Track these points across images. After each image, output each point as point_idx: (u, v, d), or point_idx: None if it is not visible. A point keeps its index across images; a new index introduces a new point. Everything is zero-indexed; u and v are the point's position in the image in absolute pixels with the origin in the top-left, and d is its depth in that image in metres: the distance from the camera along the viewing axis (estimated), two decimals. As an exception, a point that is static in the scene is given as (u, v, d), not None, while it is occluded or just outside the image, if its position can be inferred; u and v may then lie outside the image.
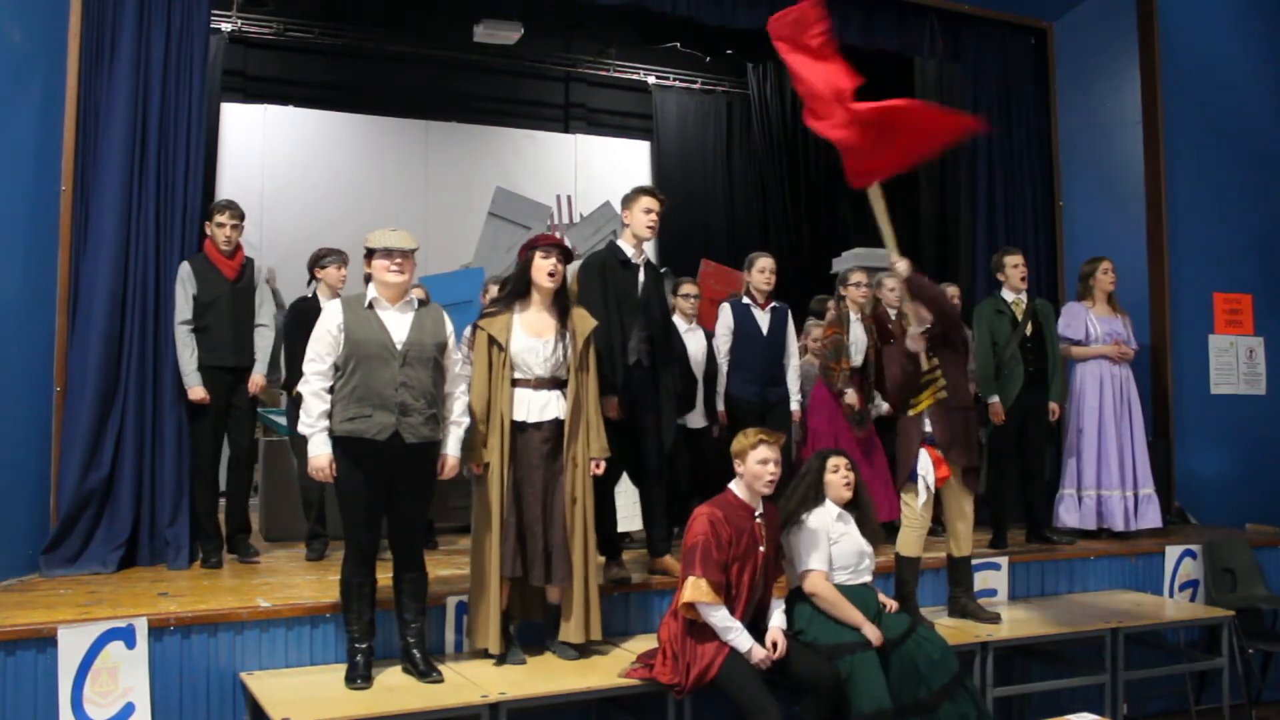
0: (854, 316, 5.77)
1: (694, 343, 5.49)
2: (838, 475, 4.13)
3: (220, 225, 5.04)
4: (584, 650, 4.04)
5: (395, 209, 9.64)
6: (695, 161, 11.45)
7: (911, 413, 4.57)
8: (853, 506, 4.17)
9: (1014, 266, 5.77)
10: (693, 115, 11.53)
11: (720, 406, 5.50)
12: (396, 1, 9.84)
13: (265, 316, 5.18)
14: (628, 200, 4.68)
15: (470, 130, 10.81)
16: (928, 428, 4.54)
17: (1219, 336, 6.93)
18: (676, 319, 5.44)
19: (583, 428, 4.06)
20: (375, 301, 3.78)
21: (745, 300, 5.55)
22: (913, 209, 9.50)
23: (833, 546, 4.06)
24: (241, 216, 5.13)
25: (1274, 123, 7.05)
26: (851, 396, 5.63)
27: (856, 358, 5.74)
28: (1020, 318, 5.70)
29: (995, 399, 5.59)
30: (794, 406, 5.56)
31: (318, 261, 5.38)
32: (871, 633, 3.94)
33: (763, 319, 5.49)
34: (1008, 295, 5.78)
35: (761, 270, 5.51)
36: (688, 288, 5.68)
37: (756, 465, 3.85)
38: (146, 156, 5.01)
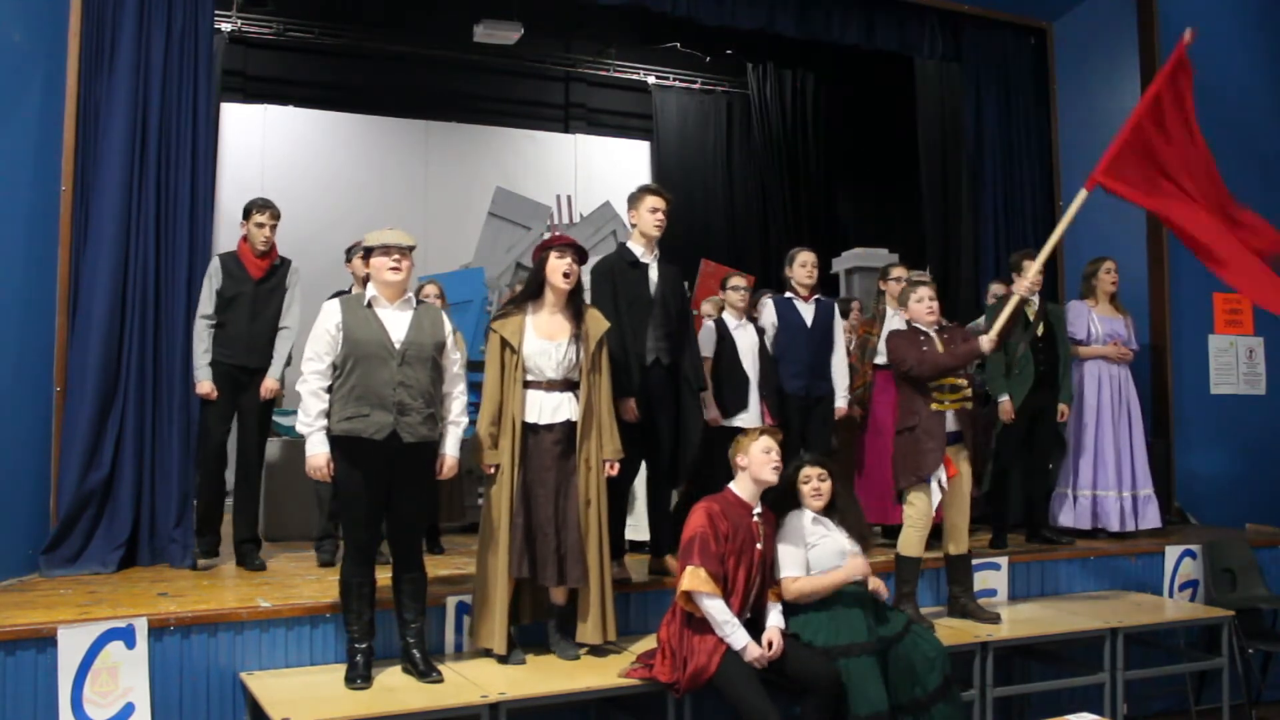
0: (891, 312, 5.75)
1: (745, 338, 5.26)
2: (808, 487, 4.10)
3: (260, 225, 5.01)
4: (598, 650, 4.05)
5: (395, 209, 9.65)
6: (695, 161, 11.46)
7: (935, 407, 4.52)
8: (830, 510, 4.15)
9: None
10: (693, 115, 11.53)
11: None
12: (396, 1, 9.84)
13: (291, 319, 5.10)
14: (633, 200, 4.69)
15: (470, 130, 10.81)
16: (950, 426, 4.53)
17: (1219, 336, 6.93)
18: (727, 314, 5.34)
19: (595, 429, 4.06)
20: (374, 300, 3.78)
21: (788, 294, 5.49)
22: (913, 209, 9.52)
23: (811, 550, 4.04)
24: (278, 216, 5.08)
25: (1274, 123, 7.05)
26: (855, 411, 5.66)
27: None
28: (1032, 319, 5.72)
29: (1005, 398, 5.59)
30: (840, 404, 5.47)
31: (347, 255, 5.37)
32: (854, 567, 3.98)
33: (807, 311, 5.42)
34: None
35: (803, 264, 5.46)
36: (736, 280, 5.48)
37: (760, 454, 3.87)
38: (146, 156, 5.01)
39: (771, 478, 3.92)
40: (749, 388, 5.18)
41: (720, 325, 5.28)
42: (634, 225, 4.69)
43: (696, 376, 4.72)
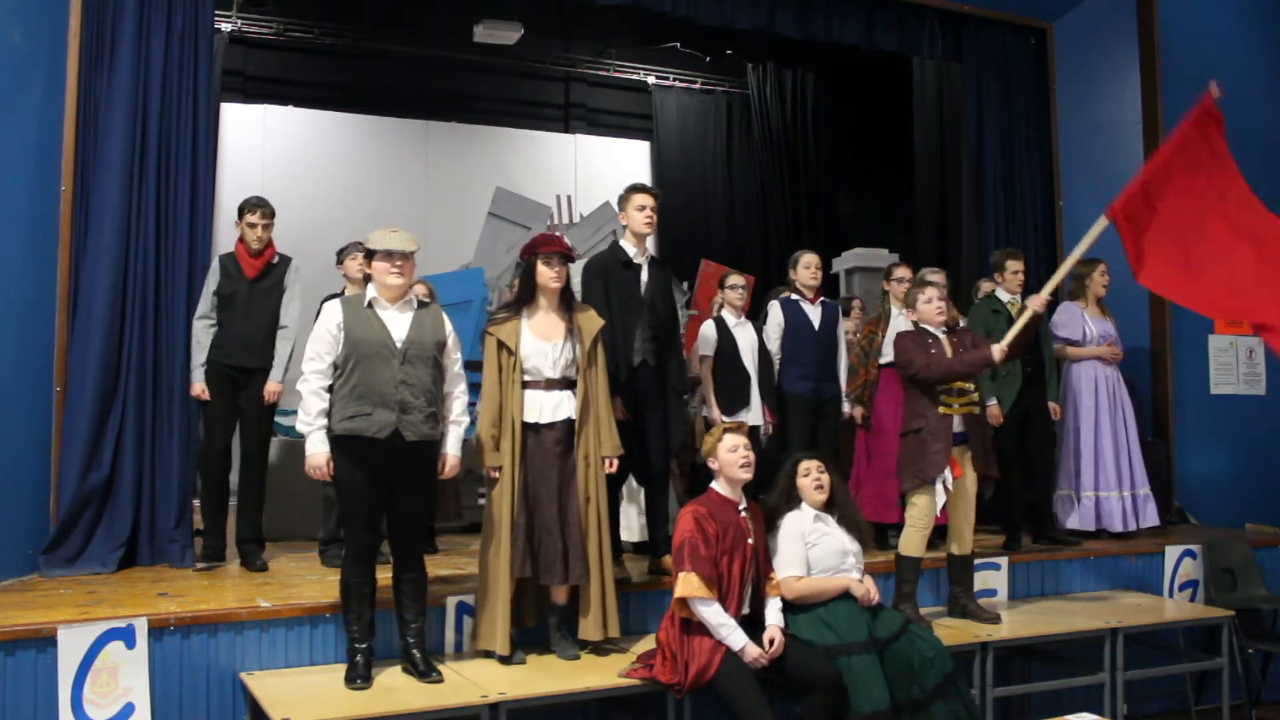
0: (896, 311, 5.75)
1: (744, 336, 5.29)
2: (809, 479, 4.13)
3: (252, 225, 4.98)
4: (599, 649, 4.06)
5: (395, 209, 9.65)
6: (695, 161, 11.46)
7: (943, 410, 4.50)
8: (831, 507, 4.17)
9: (1015, 272, 5.79)
10: (693, 115, 11.54)
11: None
12: (396, 1, 9.85)
13: (289, 318, 5.04)
14: (622, 200, 4.70)
15: (470, 130, 10.81)
16: (957, 429, 4.52)
17: (1219, 336, 6.93)
18: (725, 313, 5.37)
19: (592, 426, 4.07)
20: (375, 301, 3.78)
21: (793, 296, 5.51)
22: (913, 209, 9.52)
23: (811, 550, 4.05)
24: (271, 215, 5.03)
25: (1274, 123, 7.05)
26: (858, 411, 5.69)
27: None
28: (1015, 318, 5.70)
29: (993, 402, 5.56)
30: (846, 408, 5.52)
31: (338, 257, 5.35)
32: (860, 590, 4.01)
33: (813, 313, 5.45)
34: (1003, 295, 5.80)
35: (807, 266, 5.49)
36: (735, 279, 5.49)
37: (728, 454, 3.88)
38: (146, 156, 5.01)
39: (744, 476, 3.91)
40: (750, 385, 5.20)
41: (720, 323, 5.29)
42: (625, 225, 4.71)
43: (682, 380, 4.74)
